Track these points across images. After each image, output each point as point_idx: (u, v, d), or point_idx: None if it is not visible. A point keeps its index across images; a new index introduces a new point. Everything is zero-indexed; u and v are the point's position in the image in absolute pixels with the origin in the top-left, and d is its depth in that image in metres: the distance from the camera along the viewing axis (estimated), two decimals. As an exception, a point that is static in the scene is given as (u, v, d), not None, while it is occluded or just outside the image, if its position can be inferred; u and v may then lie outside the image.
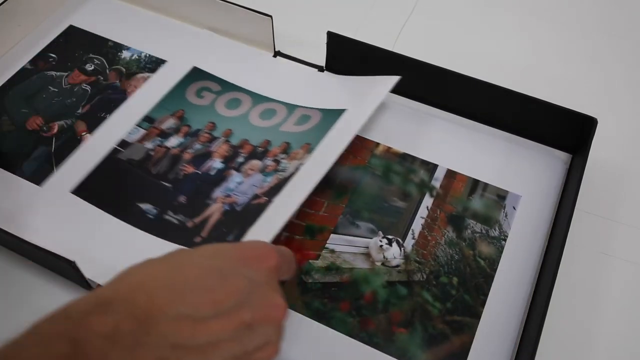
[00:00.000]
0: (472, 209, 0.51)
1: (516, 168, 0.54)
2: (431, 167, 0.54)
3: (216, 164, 0.53)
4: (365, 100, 0.54)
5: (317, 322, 0.45)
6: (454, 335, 0.44)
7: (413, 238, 0.50)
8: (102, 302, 0.28)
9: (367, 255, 0.49)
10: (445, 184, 0.53)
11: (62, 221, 0.49)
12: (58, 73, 0.61)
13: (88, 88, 0.60)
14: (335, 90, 0.58)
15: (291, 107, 0.57)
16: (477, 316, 0.45)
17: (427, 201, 0.52)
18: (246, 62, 0.61)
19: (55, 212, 0.50)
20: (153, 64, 0.62)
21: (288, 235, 0.50)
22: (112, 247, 0.47)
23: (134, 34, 0.64)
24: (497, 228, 0.50)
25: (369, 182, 0.53)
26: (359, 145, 0.55)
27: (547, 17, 0.68)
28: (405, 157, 0.55)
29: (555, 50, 0.65)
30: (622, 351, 0.45)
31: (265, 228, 0.47)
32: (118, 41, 0.64)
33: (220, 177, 0.52)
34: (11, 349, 0.27)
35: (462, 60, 0.59)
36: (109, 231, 0.49)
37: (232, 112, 0.57)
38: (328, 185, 0.52)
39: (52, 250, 0.42)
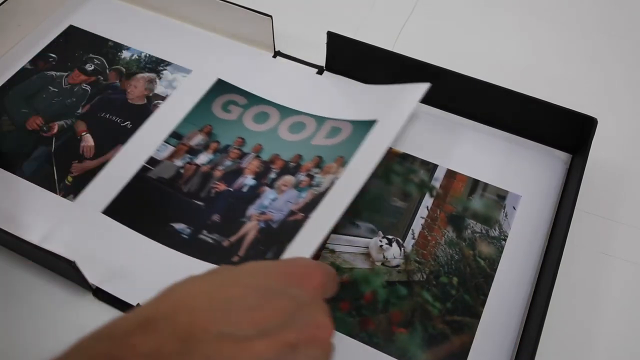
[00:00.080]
0: (472, 209, 0.51)
1: (516, 168, 0.54)
2: (431, 167, 0.54)
3: (248, 180, 0.52)
4: (395, 111, 0.53)
5: (317, 322, 0.45)
6: (454, 335, 0.44)
7: (413, 238, 0.50)
8: (144, 321, 0.28)
9: (367, 255, 0.49)
10: (445, 184, 0.53)
11: (94, 241, 0.48)
12: (58, 73, 0.61)
13: (88, 88, 0.60)
14: (363, 100, 0.57)
15: (320, 120, 0.56)
16: (477, 316, 0.45)
17: (427, 201, 0.52)
18: (270, 72, 0.60)
19: (86, 231, 0.49)
20: (153, 64, 0.62)
21: (288, 235, 0.49)
22: (146, 267, 0.47)
23: (134, 34, 0.64)
24: (497, 228, 0.50)
25: (369, 182, 0.53)
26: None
27: (547, 17, 0.68)
28: (405, 157, 0.55)
29: (555, 50, 0.65)
30: (622, 351, 0.45)
31: (304, 245, 0.46)
32: (118, 41, 0.64)
33: (254, 194, 0.51)
34: None
35: (462, 60, 0.59)
36: (143, 252, 0.48)
37: (260, 127, 0.56)
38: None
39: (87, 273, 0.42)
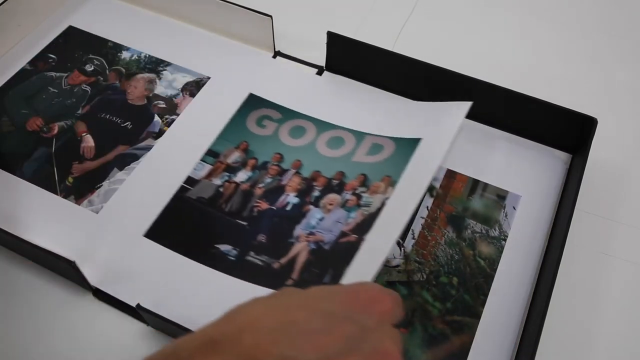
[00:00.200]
0: (472, 209, 0.51)
1: (516, 168, 0.54)
2: (431, 167, 0.54)
3: (291, 198, 0.51)
4: (441, 129, 0.52)
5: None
6: (454, 335, 0.44)
7: (413, 238, 0.50)
8: (209, 342, 0.28)
9: (367, 255, 0.49)
10: (445, 184, 0.53)
11: (137, 265, 0.47)
12: (58, 74, 0.61)
13: (88, 89, 0.60)
14: (404, 117, 0.56)
15: (359, 135, 0.55)
16: (477, 316, 0.45)
17: (427, 201, 0.52)
18: (301, 85, 0.59)
19: (128, 255, 0.48)
20: (153, 64, 0.62)
21: (288, 235, 0.49)
22: (194, 292, 0.46)
23: (133, 34, 0.64)
24: (497, 228, 0.50)
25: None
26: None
27: (547, 17, 0.68)
28: (405, 157, 0.54)
29: (555, 50, 0.65)
30: (622, 351, 0.45)
31: (364, 269, 0.44)
32: (118, 41, 0.64)
33: (299, 213, 0.50)
34: None
35: (462, 60, 0.59)
36: (189, 275, 0.46)
37: (297, 142, 0.55)
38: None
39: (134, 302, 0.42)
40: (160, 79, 0.60)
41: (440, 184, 0.53)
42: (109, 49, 0.63)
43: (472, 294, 0.46)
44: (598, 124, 0.50)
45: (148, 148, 0.55)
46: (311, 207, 0.51)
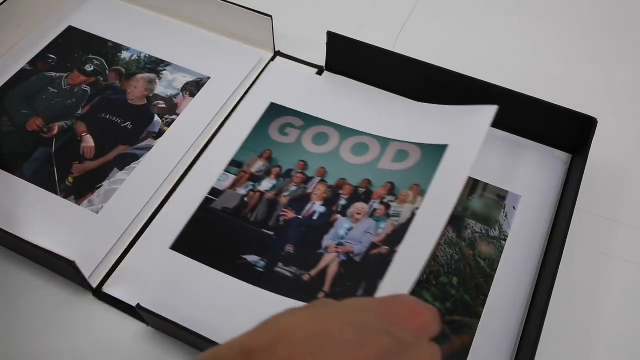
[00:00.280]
0: (472, 209, 0.51)
1: (516, 168, 0.54)
2: (431, 167, 0.54)
3: (317, 207, 0.50)
4: (467, 135, 0.51)
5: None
6: (454, 335, 0.44)
7: (413, 238, 0.50)
8: (245, 352, 0.28)
9: (367, 255, 0.49)
10: (445, 184, 0.53)
11: (164, 277, 0.47)
12: (58, 74, 0.61)
13: (88, 89, 0.60)
14: (429, 123, 0.55)
15: (384, 141, 0.54)
16: (477, 316, 0.45)
17: (427, 201, 0.52)
18: (319, 90, 0.59)
19: (156, 269, 0.47)
20: (153, 64, 0.62)
21: (288, 235, 0.49)
22: (222, 304, 0.45)
23: (133, 34, 0.64)
24: (497, 228, 0.50)
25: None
26: (360, 146, 0.55)
27: (547, 17, 0.68)
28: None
29: (555, 50, 0.65)
30: (622, 351, 0.45)
31: (399, 282, 0.43)
32: (118, 42, 0.64)
33: (326, 222, 0.50)
34: None
35: (462, 60, 0.59)
36: (217, 287, 0.46)
37: (321, 148, 0.54)
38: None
39: (166, 316, 0.42)
40: (160, 79, 0.60)
41: (440, 184, 0.53)
42: (108, 49, 0.63)
43: (472, 294, 0.46)
44: (598, 124, 0.50)
45: (148, 148, 0.55)
46: (338, 216, 0.50)
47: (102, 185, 0.52)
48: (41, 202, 0.51)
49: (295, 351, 0.28)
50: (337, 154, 0.54)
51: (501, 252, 0.49)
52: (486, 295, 0.46)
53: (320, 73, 0.61)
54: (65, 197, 0.52)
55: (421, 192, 0.50)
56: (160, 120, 0.57)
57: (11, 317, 0.46)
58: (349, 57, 0.59)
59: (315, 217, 0.50)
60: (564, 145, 0.55)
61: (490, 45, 0.65)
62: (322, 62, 0.61)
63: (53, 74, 0.61)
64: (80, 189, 0.52)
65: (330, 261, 0.47)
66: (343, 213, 0.50)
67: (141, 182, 0.53)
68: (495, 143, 0.55)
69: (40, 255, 0.46)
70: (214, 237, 0.49)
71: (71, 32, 0.64)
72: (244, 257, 0.48)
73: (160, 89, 0.60)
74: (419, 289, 0.47)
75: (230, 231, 0.49)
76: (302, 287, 0.46)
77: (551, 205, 0.51)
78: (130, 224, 0.50)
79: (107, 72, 0.61)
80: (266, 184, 0.52)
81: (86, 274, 0.45)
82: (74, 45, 0.63)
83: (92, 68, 0.61)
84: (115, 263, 0.48)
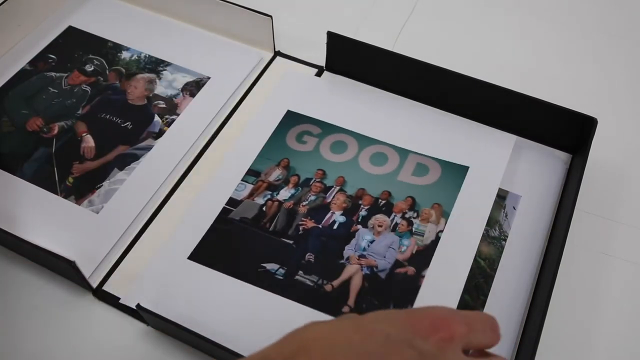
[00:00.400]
0: (472, 209, 0.51)
1: (516, 168, 0.54)
2: (431, 168, 0.54)
3: (337, 217, 0.50)
4: (488, 161, 0.52)
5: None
6: (454, 336, 0.44)
7: (413, 238, 0.50)
8: None
9: (368, 255, 0.49)
10: (446, 184, 0.53)
11: (183, 287, 0.46)
12: (58, 74, 0.61)
13: (88, 89, 0.60)
14: (448, 138, 0.55)
15: (403, 152, 0.54)
16: (477, 316, 0.45)
17: (427, 201, 0.52)
18: (337, 97, 0.58)
19: (174, 280, 0.47)
20: (153, 64, 0.62)
21: (288, 235, 0.49)
22: (241, 312, 0.45)
23: (133, 34, 0.64)
24: (497, 228, 0.50)
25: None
26: (360, 146, 0.55)
27: (547, 18, 0.68)
28: (405, 158, 0.54)
29: (555, 50, 0.65)
30: (622, 351, 0.45)
31: None
32: (118, 42, 0.64)
33: (347, 233, 0.49)
34: None
35: (462, 60, 0.59)
36: (236, 295, 0.46)
37: (339, 157, 0.54)
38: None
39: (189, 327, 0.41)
40: (160, 79, 0.61)
41: (440, 184, 0.53)
42: (108, 49, 0.63)
43: (472, 294, 0.46)
44: (598, 124, 0.50)
45: (148, 148, 0.55)
46: (359, 227, 0.50)
47: (102, 185, 0.52)
48: (41, 202, 0.51)
49: None
50: (355, 163, 0.53)
51: (501, 252, 0.49)
52: (486, 296, 0.46)
53: (320, 73, 0.61)
54: (66, 197, 0.52)
55: (444, 214, 0.50)
56: (160, 120, 0.57)
57: (11, 317, 0.46)
58: (349, 57, 0.59)
59: (335, 227, 0.50)
60: (564, 145, 0.55)
61: (490, 45, 0.65)
62: (322, 62, 0.61)
63: (53, 74, 0.61)
64: (81, 189, 0.52)
65: (353, 273, 0.47)
66: (364, 224, 0.50)
67: (141, 182, 0.52)
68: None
69: (40, 255, 0.46)
70: (232, 247, 0.49)
71: (71, 32, 0.64)
72: (264, 265, 0.47)
73: (160, 89, 0.60)
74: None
75: (249, 241, 0.49)
76: (324, 297, 0.46)
77: (551, 205, 0.51)
78: (131, 224, 0.50)
79: (107, 72, 0.61)
80: (284, 193, 0.52)
81: (86, 274, 0.45)
82: (74, 45, 0.63)
83: (92, 68, 0.61)
84: (115, 263, 0.48)
